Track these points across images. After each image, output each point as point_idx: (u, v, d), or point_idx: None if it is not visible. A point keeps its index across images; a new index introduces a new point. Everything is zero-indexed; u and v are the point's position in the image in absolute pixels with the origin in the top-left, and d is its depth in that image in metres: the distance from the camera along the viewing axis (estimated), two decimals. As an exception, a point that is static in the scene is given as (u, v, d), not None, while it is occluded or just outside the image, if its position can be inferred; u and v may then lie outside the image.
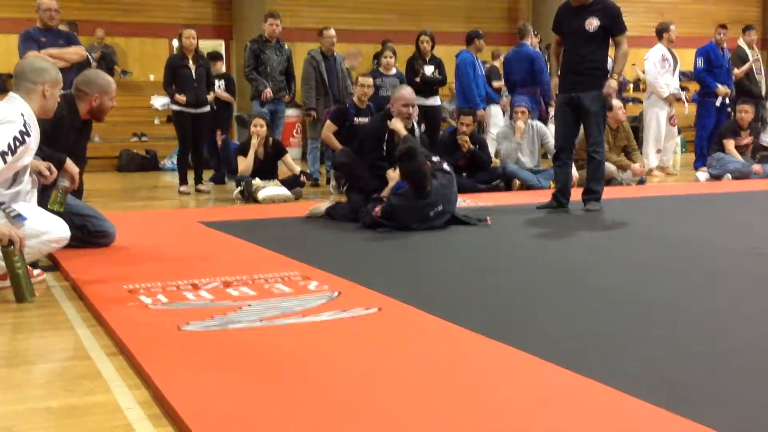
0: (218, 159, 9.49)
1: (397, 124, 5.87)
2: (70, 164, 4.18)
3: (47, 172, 3.89)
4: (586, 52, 6.15)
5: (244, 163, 7.62)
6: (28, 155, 3.60)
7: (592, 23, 6.10)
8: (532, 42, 9.43)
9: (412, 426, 1.96)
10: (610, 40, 6.25)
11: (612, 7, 6.19)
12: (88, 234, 4.55)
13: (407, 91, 6.11)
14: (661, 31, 9.98)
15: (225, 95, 9.60)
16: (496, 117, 10.75)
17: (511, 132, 8.34)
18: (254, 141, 7.64)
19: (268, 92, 8.51)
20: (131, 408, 2.20)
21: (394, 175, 5.59)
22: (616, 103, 8.69)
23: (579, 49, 6.18)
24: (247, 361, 2.50)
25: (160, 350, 2.62)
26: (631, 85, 14.29)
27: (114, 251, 4.57)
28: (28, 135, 3.51)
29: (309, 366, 2.44)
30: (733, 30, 11.23)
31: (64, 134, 4.41)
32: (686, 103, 10.78)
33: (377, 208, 5.27)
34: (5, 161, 3.39)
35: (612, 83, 6.17)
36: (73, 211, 4.32)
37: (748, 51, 10.53)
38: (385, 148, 5.96)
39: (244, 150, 7.76)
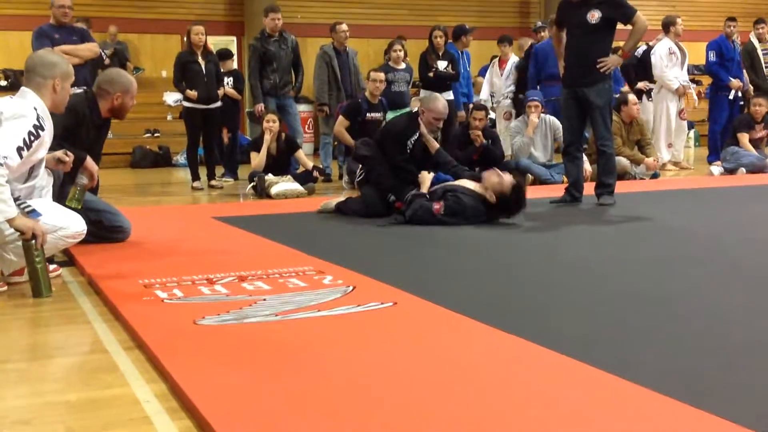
0: (222, 156, 9.51)
1: (429, 136, 5.89)
2: (89, 162, 4.21)
3: (66, 158, 3.91)
4: (589, 44, 6.09)
5: (257, 159, 7.63)
6: (42, 149, 3.62)
7: (594, 15, 6.05)
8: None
9: (429, 419, 1.96)
10: (614, 34, 6.21)
11: None
12: (103, 229, 4.58)
13: (442, 105, 5.94)
14: (667, 25, 9.93)
15: (232, 92, 9.61)
16: None
17: (524, 126, 8.32)
18: (267, 137, 7.65)
19: (260, 107, 8.49)
20: (149, 401, 2.21)
21: (427, 176, 5.59)
22: (631, 98, 8.67)
23: (582, 41, 6.12)
24: (263, 355, 2.51)
25: (176, 344, 2.63)
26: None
27: (129, 246, 4.59)
28: (42, 129, 3.52)
29: (325, 360, 2.44)
30: (746, 24, 11.16)
31: (85, 132, 4.44)
32: (695, 96, 10.74)
33: (437, 205, 5.19)
34: (21, 156, 3.41)
35: (613, 58, 6.10)
36: (88, 207, 4.34)
37: (758, 45, 10.48)
38: (410, 149, 5.87)
39: (256, 146, 7.78)
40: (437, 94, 6.36)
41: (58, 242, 3.72)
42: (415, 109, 6.14)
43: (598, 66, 6.03)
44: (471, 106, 8.53)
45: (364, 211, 5.66)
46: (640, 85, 9.36)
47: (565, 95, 6.38)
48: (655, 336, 2.66)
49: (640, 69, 10.03)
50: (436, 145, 5.86)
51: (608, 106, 6.26)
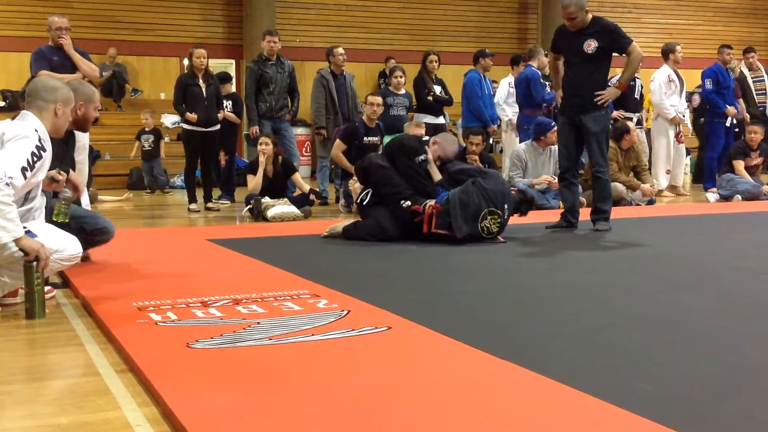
0: (219, 179, 9.52)
1: (434, 164, 5.96)
2: (72, 175, 4.20)
3: (59, 177, 3.92)
4: (586, 73, 6.14)
5: (254, 182, 7.65)
6: (42, 171, 3.62)
7: (591, 45, 6.08)
8: (540, 63, 9.45)
9: (422, 445, 1.95)
10: (610, 62, 6.27)
11: (608, 25, 6.18)
12: (87, 234, 4.46)
13: (452, 151, 6.14)
14: (667, 52, 9.99)
15: (231, 116, 9.63)
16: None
17: (531, 152, 8.39)
18: (261, 159, 7.67)
19: (255, 130, 8.52)
20: (140, 425, 2.20)
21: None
22: (632, 126, 8.72)
23: (579, 70, 6.17)
24: (256, 379, 2.50)
25: (169, 367, 2.62)
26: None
27: (123, 268, 4.59)
28: (44, 150, 3.54)
29: (318, 384, 2.43)
30: (739, 51, 11.24)
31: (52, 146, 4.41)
32: (690, 125, 10.85)
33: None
34: (25, 176, 3.41)
35: (611, 91, 6.17)
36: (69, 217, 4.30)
37: (748, 74, 10.56)
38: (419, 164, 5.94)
39: (253, 168, 7.79)
40: (454, 139, 6.46)
41: (53, 265, 3.71)
42: (425, 138, 6.22)
43: (595, 100, 6.08)
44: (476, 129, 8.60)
45: (378, 232, 5.59)
46: (615, 114, 9.35)
47: (561, 122, 6.42)
48: (651, 362, 2.65)
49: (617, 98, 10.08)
50: (439, 177, 5.87)
51: (604, 133, 6.30)
